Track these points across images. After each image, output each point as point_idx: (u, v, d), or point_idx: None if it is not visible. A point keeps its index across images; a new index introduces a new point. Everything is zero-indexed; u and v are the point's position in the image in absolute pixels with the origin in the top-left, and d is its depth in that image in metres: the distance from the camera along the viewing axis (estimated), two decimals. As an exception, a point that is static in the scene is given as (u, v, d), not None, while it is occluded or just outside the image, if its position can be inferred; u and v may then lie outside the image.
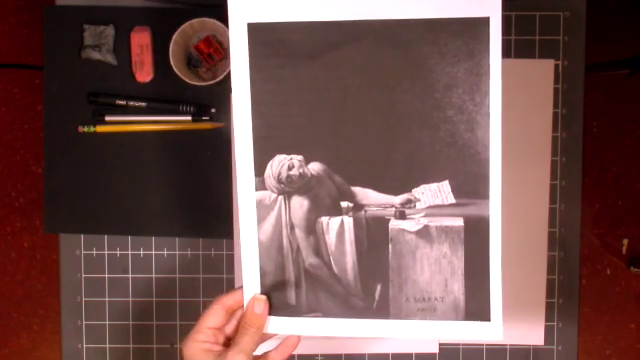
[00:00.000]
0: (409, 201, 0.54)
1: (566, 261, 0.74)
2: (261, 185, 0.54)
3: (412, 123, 0.53)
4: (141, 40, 0.71)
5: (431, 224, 0.54)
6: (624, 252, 1.48)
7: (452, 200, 0.53)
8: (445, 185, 0.53)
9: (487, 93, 0.51)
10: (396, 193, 0.54)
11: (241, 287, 0.56)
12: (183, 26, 0.69)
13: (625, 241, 1.47)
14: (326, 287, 0.55)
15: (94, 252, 0.75)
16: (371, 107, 0.53)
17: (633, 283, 1.48)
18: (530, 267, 0.73)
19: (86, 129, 0.72)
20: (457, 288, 0.54)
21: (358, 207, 0.54)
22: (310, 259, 0.55)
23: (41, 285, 1.51)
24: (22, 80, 1.50)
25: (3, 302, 1.52)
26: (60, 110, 0.73)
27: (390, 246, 0.54)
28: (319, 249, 0.55)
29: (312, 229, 0.55)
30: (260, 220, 0.55)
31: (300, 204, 0.54)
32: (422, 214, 0.54)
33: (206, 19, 0.69)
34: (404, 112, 0.53)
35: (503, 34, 0.73)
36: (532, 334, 0.74)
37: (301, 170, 0.54)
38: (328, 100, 0.53)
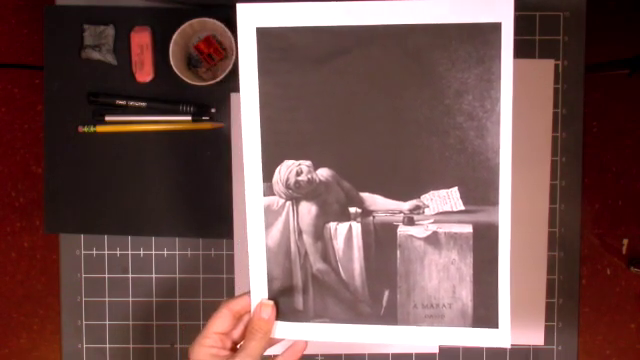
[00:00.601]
0: (418, 207, 0.54)
1: (566, 261, 0.74)
2: (269, 191, 0.54)
3: (421, 129, 0.52)
4: (141, 40, 0.71)
5: (440, 230, 0.54)
6: (624, 252, 1.48)
7: (461, 207, 0.53)
8: (454, 191, 0.53)
9: (498, 99, 0.51)
10: (404, 199, 0.53)
11: (248, 292, 0.55)
12: (183, 26, 0.69)
13: (625, 241, 1.47)
14: (333, 293, 0.55)
15: (94, 252, 0.75)
16: (379, 113, 0.52)
17: (633, 283, 1.48)
18: (530, 267, 0.73)
19: (86, 129, 0.72)
20: (465, 295, 0.54)
21: (366, 213, 0.54)
22: (318, 264, 0.55)
23: (41, 285, 1.51)
24: (22, 80, 1.50)
25: (3, 302, 1.52)
26: (60, 110, 0.73)
27: (398, 252, 0.54)
28: (327, 255, 0.55)
29: (320, 235, 0.55)
30: (268, 225, 0.55)
31: (308, 210, 0.54)
32: (431, 220, 0.53)
33: (206, 19, 0.69)
34: (413, 118, 0.52)
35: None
36: (532, 334, 0.74)
37: (309, 176, 0.54)
38: (336, 105, 0.53)
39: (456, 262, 0.54)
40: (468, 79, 0.51)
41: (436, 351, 0.73)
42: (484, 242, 0.53)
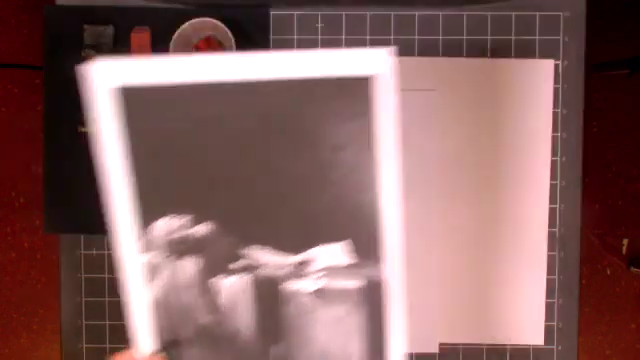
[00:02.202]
0: (305, 262, 0.52)
1: (566, 261, 0.74)
2: (148, 246, 0.52)
3: (300, 184, 0.51)
4: (141, 40, 0.71)
5: (328, 285, 0.53)
6: (624, 252, 1.48)
7: (349, 261, 0.52)
8: (342, 246, 0.52)
9: (377, 153, 0.49)
10: (292, 253, 0.52)
11: (133, 348, 0.54)
12: (183, 26, 0.69)
13: (625, 241, 1.47)
14: (220, 348, 0.54)
15: (94, 252, 0.75)
16: (260, 168, 0.51)
17: (633, 283, 1.48)
18: (530, 267, 0.73)
19: (86, 129, 0.72)
20: (357, 350, 0.53)
21: (253, 267, 0.53)
22: (203, 319, 0.54)
23: (41, 285, 1.51)
24: (22, 80, 1.50)
25: (3, 302, 1.52)
26: (60, 110, 0.73)
27: (286, 307, 0.53)
28: (213, 309, 0.53)
29: (205, 289, 0.53)
30: (149, 281, 0.53)
31: (191, 264, 0.53)
32: (319, 275, 0.52)
33: (206, 19, 0.69)
34: (293, 173, 0.51)
35: (503, 34, 0.73)
36: (532, 334, 0.74)
37: (191, 230, 0.52)
38: (214, 160, 0.51)
39: (345, 317, 0.53)
40: (346, 132, 0.49)
41: (436, 351, 0.73)
42: (373, 297, 0.52)
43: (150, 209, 0.51)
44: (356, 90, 0.48)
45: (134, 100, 0.50)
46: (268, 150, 0.51)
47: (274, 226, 0.52)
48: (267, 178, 0.51)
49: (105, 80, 0.49)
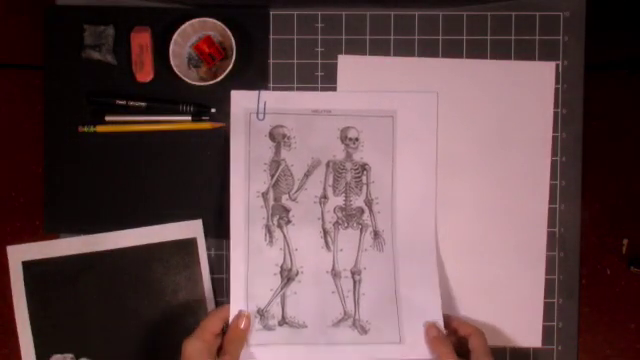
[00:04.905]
0: None
1: (566, 261, 0.74)
2: None
3: (153, 318, 0.72)
4: (141, 40, 0.71)
5: None
6: (624, 252, 1.48)
7: None
8: None
9: (203, 295, 0.72)
10: None
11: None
12: (183, 26, 0.69)
13: (625, 241, 1.47)
14: None
15: (94, 252, 0.74)
16: (122, 312, 0.72)
17: (633, 283, 1.48)
18: (529, 267, 0.73)
19: (86, 129, 0.72)
20: None
21: None
22: None
23: (41, 285, 1.51)
24: (22, 80, 1.50)
25: (3, 302, 1.52)
26: (60, 110, 0.73)
27: None
28: None
29: None
30: None
31: None
32: None
33: (206, 19, 0.69)
34: (148, 313, 0.72)
35: (503, 34, 0.73)
36: (531, 334, 0.74)
37: None
38: (91, 309, 0.72)
39: None
40: (179, 280, 0.72)
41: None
42: None
43: (43, 350, 0.72)
44: (189, 248, 0.72)
45: (34, 269, 0.72)
46: (130, 296, 0.72)
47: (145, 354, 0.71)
48: (130, 319, 0.72)
49: (17, 257, 0.72)
